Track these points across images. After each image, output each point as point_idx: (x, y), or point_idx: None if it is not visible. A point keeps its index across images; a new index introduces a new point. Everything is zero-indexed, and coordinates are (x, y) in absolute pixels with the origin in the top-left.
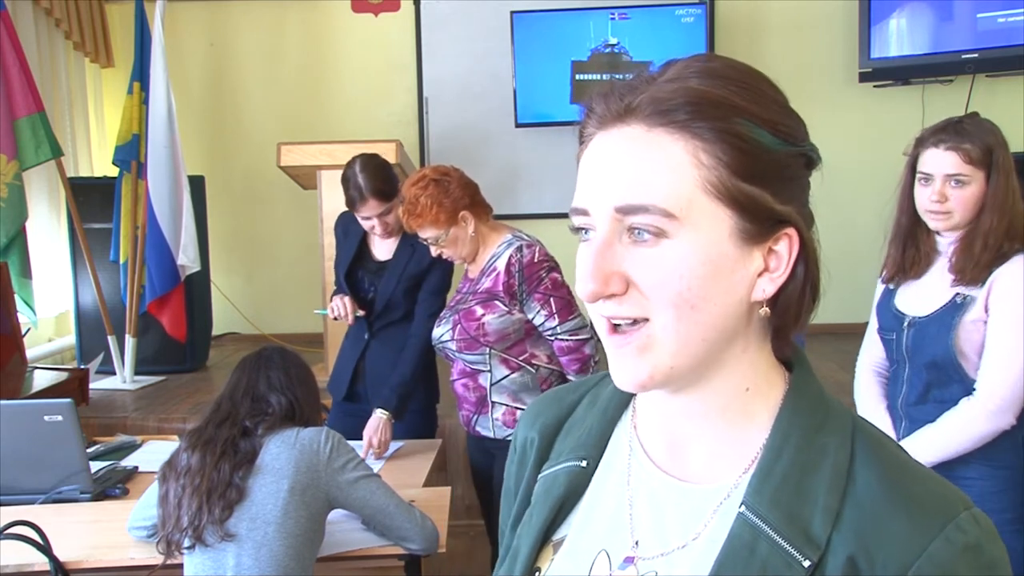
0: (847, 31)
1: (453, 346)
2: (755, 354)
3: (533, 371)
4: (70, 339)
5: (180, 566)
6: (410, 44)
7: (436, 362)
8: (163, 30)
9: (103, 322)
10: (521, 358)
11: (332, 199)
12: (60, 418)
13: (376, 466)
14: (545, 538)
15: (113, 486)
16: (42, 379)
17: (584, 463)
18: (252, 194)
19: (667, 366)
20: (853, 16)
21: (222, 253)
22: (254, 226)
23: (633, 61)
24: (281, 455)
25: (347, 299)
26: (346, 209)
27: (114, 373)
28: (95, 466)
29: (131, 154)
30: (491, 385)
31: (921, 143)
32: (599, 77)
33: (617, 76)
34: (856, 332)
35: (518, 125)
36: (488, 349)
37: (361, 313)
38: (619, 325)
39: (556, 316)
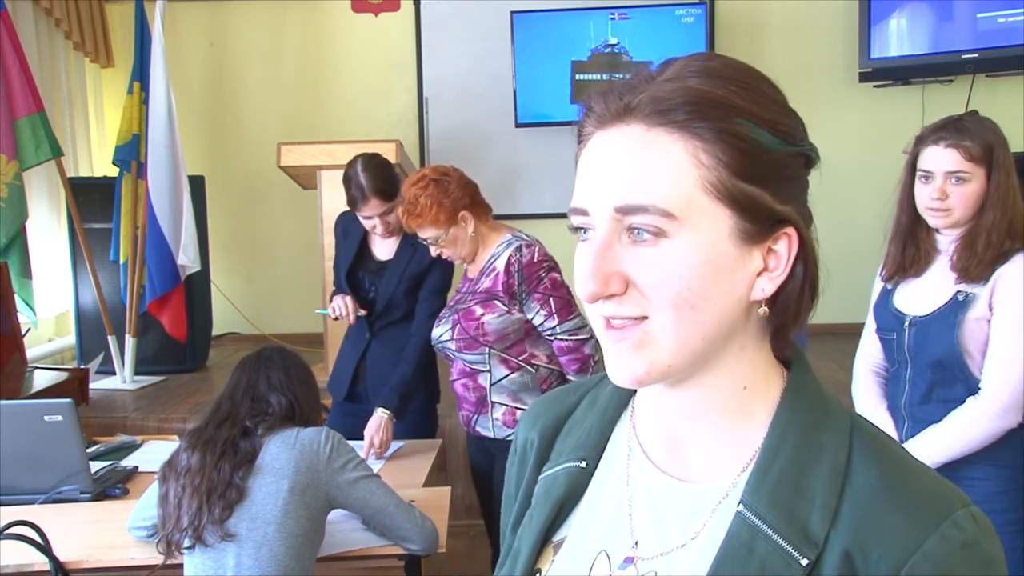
0: (847, 31)
1: (452, 346)
2: (753, 353)
3: (533, 371)
4: (70, 339)
5: (180, 566)
6: (410, 44)
7: (436, 362)
8: (163, 30)
9: (103, 322)
10: (521, 358)
11: (332, 199)
12: (60, 418)
13: (376, 466)
14: (545, 539)
15: (113, 486)
16: (42, 379)
17: (584, 464)
18: (252, 194)
19: (665, 363)
20: (853, 16)
21: (222, 253)
22: (254, 226)
23: (633, 61)
24: (281, 455)
25: (348, 299)
26: (346, 209)
27: (114, 373)
28: (95, 466)
29: (131, 154)
30: (491, 385)
31: (921, 141)
32: (599, 77)
33: (617, 76)
34: (856, 332)
35: (518, 125)
36: (487, 349)
37: (362, 313)
38: (616, 322)
39: (555, 316)
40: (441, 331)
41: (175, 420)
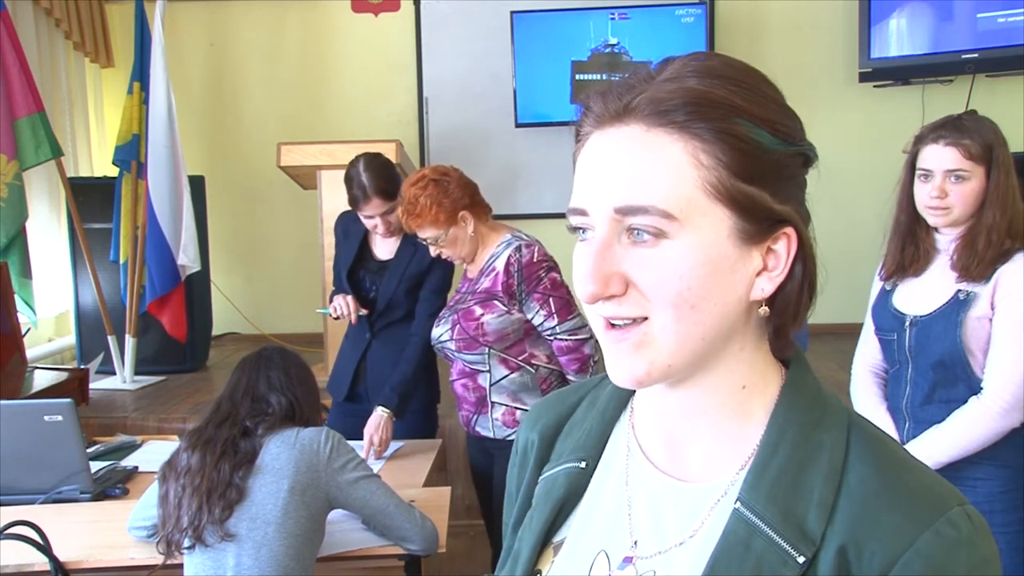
0: (847, 31)
1: (452, 346)
2: (752, 352)
3: (532, 371)
4: (70, 339)
5: (180, 566)
6: (410, 44)
7: (436, 362)
8: (163, 30)
9: (103, 322)
10: (520, 358)
11: (332, 199)
12: (60, 418)
13: (376, 466)
14: (546, 540)
15: (113, 486)
16: (42, 379)
17: (583, 464)
18: (252, 194)
19: (665, 364)
20: (853, 16)
21: (222, 253)
22: (254, 226)
23: (633, 61)
24: (281, 455)
25: (350, 298)
26: (346, 209)
27: (114, 373)
28: (95, 466)
29: (131, 154)
30: (490, 385)
31: (920, 140)
32: (599, 77)
33: (617, 76)
34: (856, 332)
35: (518, 125)
36: (487, 349)
37: (363, 312)
38: (616, 323)
39: (555, 316)
40: (441, 331)
41: (175, 420)
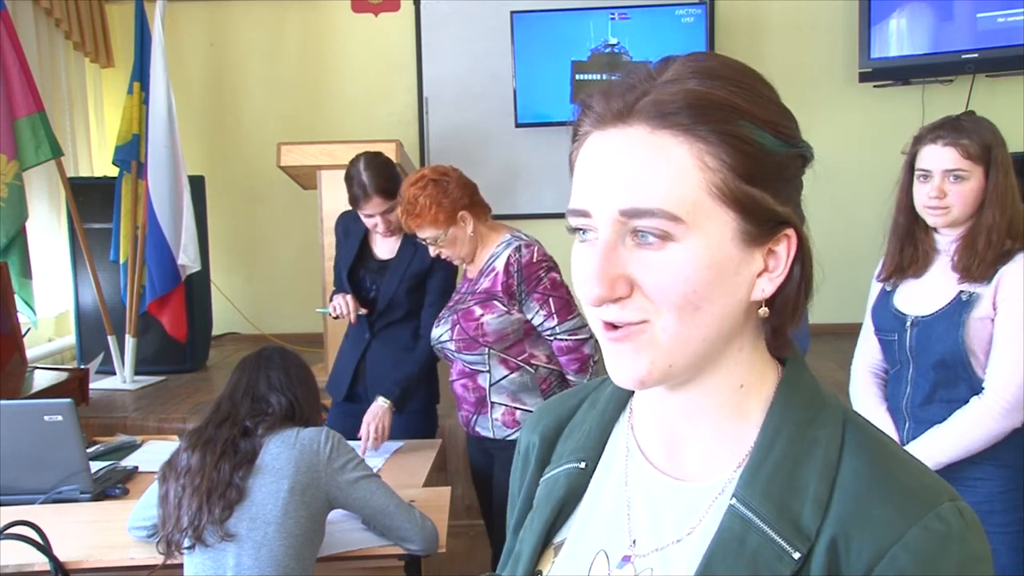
0: (847, 31)
1: (452, 346)
2: (751, 352)
3: (532, 371)
4: (70, 339)
5: (180, 566)
6: (410, 44)
7: (437, 363)
8: (163, 30)
9: (103, 322)
10: (520, 358)
11: (332, 199)
12: (60, 418)
13: (376, 466)
14: (546, 541)
15: (113, 486)
16: (42, 379)
17: (583, 465)
18: (252, 194)
19: (666, 364)
20: (853, 16)
21: (222, 253)
22: (254, 226)
23: (633, 61)
24: (281, 455)
25: (349, 297)
26: (346, 209)
27: (114, 373)
28: (95, 466)
29: (131, 154)
30: (490, 385)
31: (919, 141)
32: (599, 77)
33: (616, 76)
34: (856, 332)
35: (518, 125)
36: (487, 349)
37: (363, 312)
38: (618, 325)
39: (555, 316)
40: (440, 331)
41: (175, 420)
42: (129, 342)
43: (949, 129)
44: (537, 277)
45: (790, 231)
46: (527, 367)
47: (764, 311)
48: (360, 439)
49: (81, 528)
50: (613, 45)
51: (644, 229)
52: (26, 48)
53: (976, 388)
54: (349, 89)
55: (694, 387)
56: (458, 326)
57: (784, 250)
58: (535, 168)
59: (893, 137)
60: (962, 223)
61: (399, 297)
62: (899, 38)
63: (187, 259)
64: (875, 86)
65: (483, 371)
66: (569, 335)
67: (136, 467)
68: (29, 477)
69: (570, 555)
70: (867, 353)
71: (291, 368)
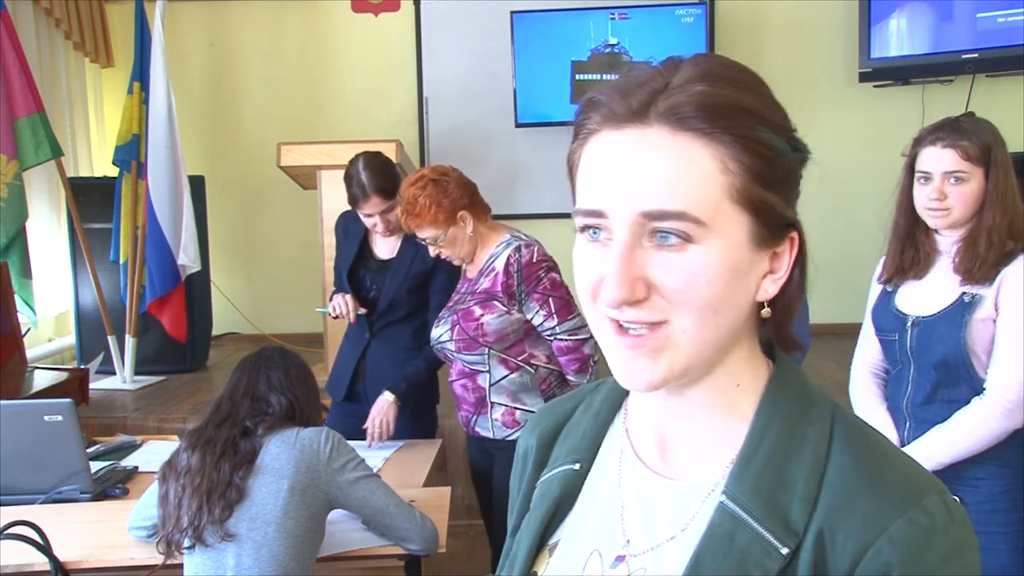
0: (847, 31)
1: (452, 346)
2: (748, 351)
3: (532, 371)
4: (70, 339)
5: (180, 566)
6: (410, 44)
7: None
8: (163, 30)
9: (103, 322)
10: (520, 358)
11: (332, 199)
12: (60, 418)
13: (376, 466)
14: (542, 542)
15: (113, 486)
16: (42, 379)
17: (577, 466)
18: (252, 194)
19: (682, 367)
20: (853, 16)
21: (222, 253)
22: (254, 226)
23: (633, 61)
24: (281, 455)
25: (349, 297)
26: (346, 209)
27: (114, 373)
28: (95, 466)
29: (131, 154)
30: (490, 386)
31: (919, 142)
32: (599, 77)
33: (615, 76)
34: (856, 332)
35: (518, 125)
36: (487, 349)
37: (363, 311)
38: (631, 328)
39: (555, 316)
40: (440, 331)
41: (175, 420)
42: (129, 342)
43: (949, 131)
44: (537, 277)
45: (795, 234)
46: (527, 367)
47: (767, 311)
48: (361, 439)
49: (81, 528)
50: (613, 45)
51: (667, 230)
52: (26, 48)
53: (977, 388)
54: (349, 89)
55: (696, 386)
56: (458, 326)
57: (786, 251)
58: (535, 168)
59: (893, 137)
60: (963, 224)
61: (401, 297)
62: (899, 38)
63: (187, 259)
64: (875, 86)
65: (483, 371)
66: (569, 335)
67: (136, 467)
68: (29, 477)
69: (564, 556)
70: (867, 353)
71: (291, 368)
